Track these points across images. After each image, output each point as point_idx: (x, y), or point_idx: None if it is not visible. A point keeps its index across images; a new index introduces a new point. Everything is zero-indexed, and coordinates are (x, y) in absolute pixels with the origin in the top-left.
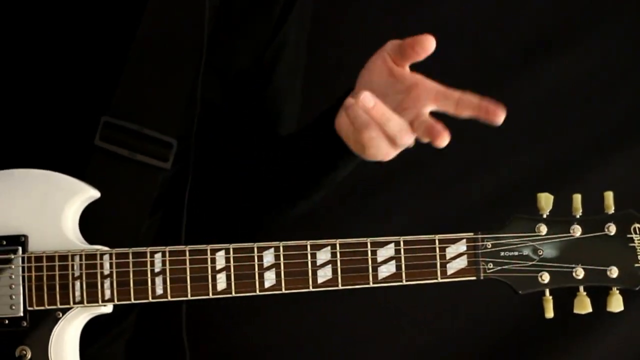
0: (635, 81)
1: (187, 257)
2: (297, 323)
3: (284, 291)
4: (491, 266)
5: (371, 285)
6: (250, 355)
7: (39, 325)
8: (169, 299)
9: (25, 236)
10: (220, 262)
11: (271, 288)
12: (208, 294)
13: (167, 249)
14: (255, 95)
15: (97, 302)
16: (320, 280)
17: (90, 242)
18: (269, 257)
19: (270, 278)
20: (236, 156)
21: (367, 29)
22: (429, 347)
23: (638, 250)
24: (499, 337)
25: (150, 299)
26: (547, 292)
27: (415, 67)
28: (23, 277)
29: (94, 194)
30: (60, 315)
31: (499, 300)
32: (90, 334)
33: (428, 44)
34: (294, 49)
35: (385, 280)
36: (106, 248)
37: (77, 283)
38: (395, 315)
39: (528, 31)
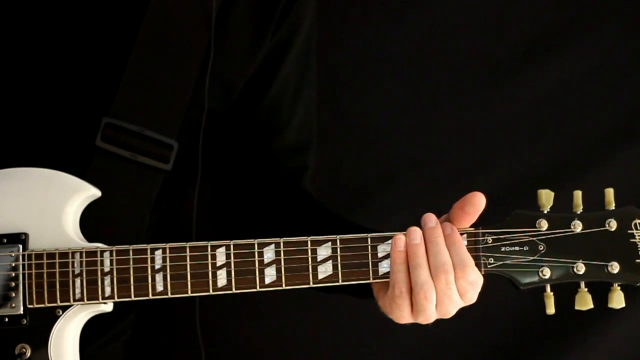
0: (635, 81)
1: (188, 254)
2: (299, 322)
3: (284, 287)
4: (492, 261)
5: (372, 281)
6: (258, 354)
7: (39, 323)
8: (170, 295)
9: (26, 234)
10: (221, 259)
11: (272, 284)
12: (209, 291)
13: (168, 246)
14: (254, 103)
15: (98, 299)
16: (320, 276)
17: (91, 243)
18: (269, 254)
19: (271, 274)
20: (242, 168)
21: (366, 29)
22: (429, 347)
23: (639, 246)
24: (499, 335)
25: (151, 296)
26: (549, 288)
27: (415, 66)
28: (23, 274)
29: (95, 192)
30: (61, 313)
31: (498, 298)
32: (90, 333)
33: (479, 201)
34: (298, 56)
35: (385, 275)
36: (107, 246)
37: (78, 281)
38: None
39: (528, 31)
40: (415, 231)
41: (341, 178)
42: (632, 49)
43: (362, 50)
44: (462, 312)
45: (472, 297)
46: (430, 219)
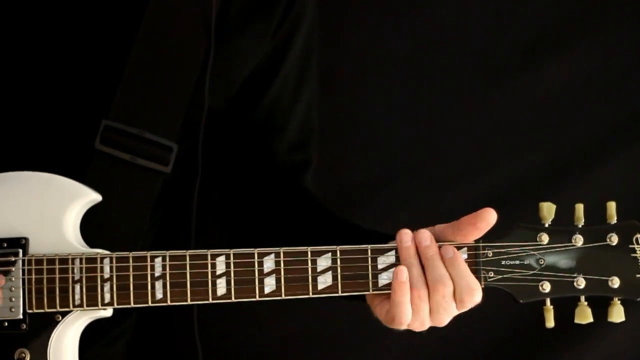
0: (635, 81)
1: (188, 261)
2: (297, 323)
3: (283, 297)
4: (492, 275)
5: (371, 292)
6: (257, 354)
7: (38, 328)
8: (169, 303)
9: (26, 239)
10: (221, 268)
11: (271, 294)
12: (208, 299)
13: (168, 253)
14: (254, 101)
15: (97, 305)
16: (320, 287)
17: (91, 246)
18: (269, 263)
19: (270, 284)
20: (243, 166)
21: (367, 29)
22: (429, 349)
23: None
24: (498, 340)
25: (150, 303)
26: (548, 301)
27: (415, 66)
28: (23, 279)
29: (95, 197)
30: (60, 318)
31: (498, 304)
32: (91, 334)
33: (491, 217)
34: (299, 55)
35: (385, 287)
36: (107, 252)
37: (77, 286)
38: None
39: (528, 31)
40: (406, 233)
41: (341, 178)
42: (632, 49)
43: (362, 50)
44: (462, 315)
45: (468, 308)
46: (424, 236)
